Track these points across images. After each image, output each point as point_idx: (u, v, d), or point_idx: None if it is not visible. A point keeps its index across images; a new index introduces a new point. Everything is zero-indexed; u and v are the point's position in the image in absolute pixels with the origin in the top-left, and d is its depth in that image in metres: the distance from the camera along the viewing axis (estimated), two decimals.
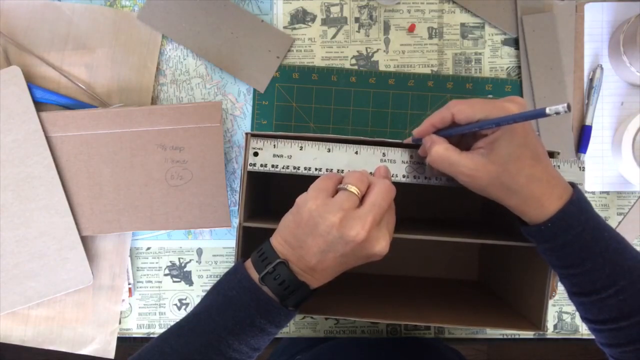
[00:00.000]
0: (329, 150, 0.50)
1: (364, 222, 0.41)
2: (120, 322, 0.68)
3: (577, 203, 0.43)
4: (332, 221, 0.41)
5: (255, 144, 0.50)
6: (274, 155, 0.50)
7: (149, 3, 0.67)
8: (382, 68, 0.69)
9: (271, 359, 0.79)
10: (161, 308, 0.69)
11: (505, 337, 0.69)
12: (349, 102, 0.69)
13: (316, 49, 0.69)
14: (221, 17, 0.68)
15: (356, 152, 0.50)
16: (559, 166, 0.51)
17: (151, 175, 0.65)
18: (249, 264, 0.46)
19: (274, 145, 0.50)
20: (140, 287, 0.68)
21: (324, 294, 0.60)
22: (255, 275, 0.44)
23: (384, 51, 0.69)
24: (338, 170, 0.50)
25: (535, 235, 0.45)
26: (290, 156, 0.50)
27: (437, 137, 0.46)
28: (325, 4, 0.69)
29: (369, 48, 0.69)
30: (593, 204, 0.69)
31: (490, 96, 0.69)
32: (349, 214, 0.41)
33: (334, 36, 0.69)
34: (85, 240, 0.65)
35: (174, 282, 0.69)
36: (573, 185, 0.46)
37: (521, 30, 0.68)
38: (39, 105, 0.65)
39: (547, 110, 0.37)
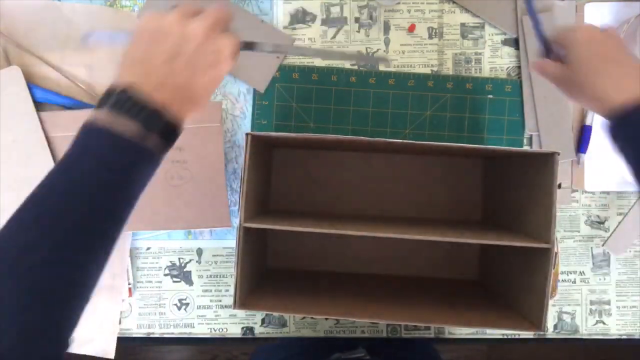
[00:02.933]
0: None
1: (202, 20, 0.42)
2: (120, 322, 0.68)
3: None
4: (171, 20, 0.42)
5: None
6: None
7: (149, 3, 0.67)
8: (382, 68, 0.69)
9: None
10: (161, 308, 0.69)
11: (505, 337, 0.69)
12: (349, 102, 0.69)
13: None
14: None
15: None
16: None
17: None
18: (95, 116, 0.39)
19: None
20: (140, 287, 0.68)
21: (325, 294, 0.60)
22: (106, 117, 0.38)
23: (384, 51, 0.69)
24: None
25: (618, 125, 0.48)
26: None
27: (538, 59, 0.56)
28: (325, 4, 0.69)
29: (369, 48, 0.69)
30: (593, 204, 0.69)
31: (490, 96, 0.69)
32: (188, 18, 0.42)
33: (334, 36, 0.69)
34: None
35: (174, 282, 0.69)
36: None
37: (521, 30, 0.68)
38: (39, 105, 0.65)
39: None
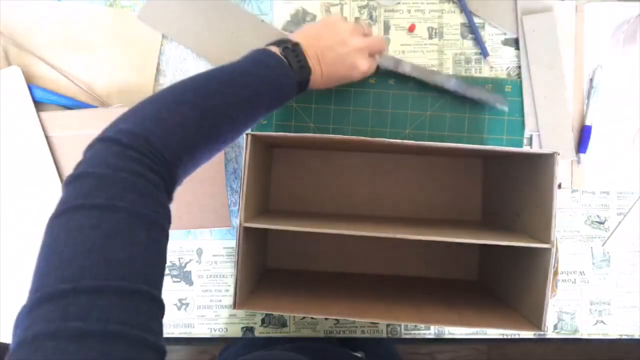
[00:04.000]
0: None
1: (362, 41, 0.59)
2: None
3: None
4: (347, 27, 0.58)
5: None
6: None
7: (149, 3, 0.67)
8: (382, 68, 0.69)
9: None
10: None
11: (505, 337, 0.69)
12: (349, 102, 0.69)
13: None
14: (221, 17, 0.67)
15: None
16: None
17: None
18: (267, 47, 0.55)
19: None
20: None
21: (325, 294, 0.60)
22: (276, 50, 0.54)
23: (384, 51, 0.69)
24: None
25: None
26: None
27: None
28: (325, 4, 0.69)
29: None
30: (593, 204, 0.69)
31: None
32: (358, 33, 0.59)
33: None
34: None
35: (174, 282, 0.69)
36: None
37: (521, 30, 0.68)
38: (39, 105, 0.65)
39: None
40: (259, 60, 0.52)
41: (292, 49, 0.54)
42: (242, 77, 0.50)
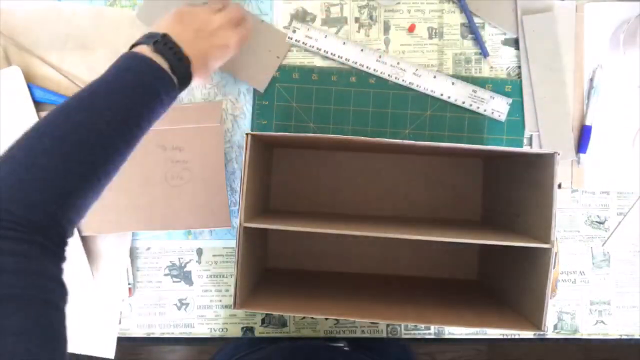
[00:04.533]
0: (343, 44, 0.68)
1: (222, 17, 0.57)
2: (120, 322, 0.68)
3: None
4: (201, 10, 0.56)
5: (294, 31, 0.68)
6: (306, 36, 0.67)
7: (147, 3, 0.67)
8: None
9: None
10: (161, 308, 0.69)
11: (505, 337, 0.69)
12: (349, 102, 0.69)
13: None
14: None
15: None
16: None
17: (151, 175, 0.65)
18: (136, 49, 0.50)
19: (307, 28, 0.68)
20: (140, 287, 0.68)
21: (325, 294, 0.60)
22: (146, 51, 0.49)
23: (384, 51, 0.69)
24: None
25: None
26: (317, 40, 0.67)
27: None
28: (325, 4, 0.69)
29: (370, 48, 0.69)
30: (593, 204, 0.69)
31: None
32: (213, 11, 0.57)
33: None
34: (85, 240, 0.65)
35: (174, 282, 0.69)
36: None
37: (521, 30, 0.68)
38: (39, 105, 0.65)
39: None
40: (125, 69, 0.47)
41: (164, 42, 0.49)
42: (107, 98, 0.44)
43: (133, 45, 0.50)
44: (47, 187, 0.38)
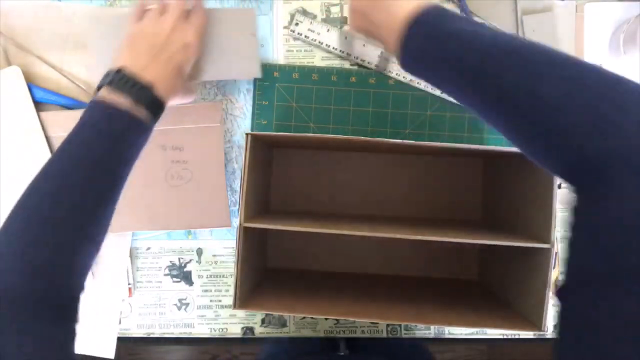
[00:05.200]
0: (345, 38, 0.67)
1: (168, 19, 0.54)
2: (120, 322, 0.68)
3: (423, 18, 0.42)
4: (146, 23, 0.54)
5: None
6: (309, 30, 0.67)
7: (141, 3, 0.67)
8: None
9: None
10: (161, 308, 0.69)
11: (505, 337, 0.69)
12: (349, 102, 0.69)
13: (316, 49, 0.69)
14: None
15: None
16: None
17: (151, 175, 0.65)
18: (98, 94, 0.49)
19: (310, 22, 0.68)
20: (140, 287, 0.68)
21: (325, 294, 0.60)
22: (106, 93, 0.47)
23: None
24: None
25: (408, 54, 0.44)
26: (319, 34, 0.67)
27: None
28: (325, 4, 0.69)
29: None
30: None
31: None
32: (157, 15, 0.55)
33: None
34: None
35: (174, 282, 0.69)
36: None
37: (521, 30, 0.68)
38: (39, 105, 0.65)
39: None
40: (90, 124, 0.46)
41: (119, 78, 0.48)
42: (75, 165, 0.45)
43: (98, 87, 0.49)
44: (50, 264, 0.42)
